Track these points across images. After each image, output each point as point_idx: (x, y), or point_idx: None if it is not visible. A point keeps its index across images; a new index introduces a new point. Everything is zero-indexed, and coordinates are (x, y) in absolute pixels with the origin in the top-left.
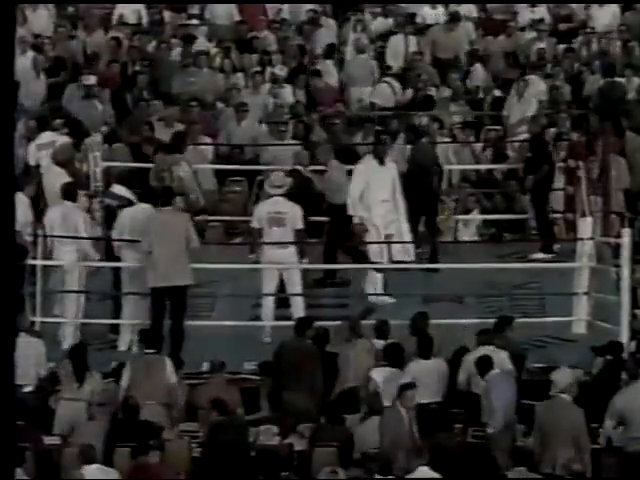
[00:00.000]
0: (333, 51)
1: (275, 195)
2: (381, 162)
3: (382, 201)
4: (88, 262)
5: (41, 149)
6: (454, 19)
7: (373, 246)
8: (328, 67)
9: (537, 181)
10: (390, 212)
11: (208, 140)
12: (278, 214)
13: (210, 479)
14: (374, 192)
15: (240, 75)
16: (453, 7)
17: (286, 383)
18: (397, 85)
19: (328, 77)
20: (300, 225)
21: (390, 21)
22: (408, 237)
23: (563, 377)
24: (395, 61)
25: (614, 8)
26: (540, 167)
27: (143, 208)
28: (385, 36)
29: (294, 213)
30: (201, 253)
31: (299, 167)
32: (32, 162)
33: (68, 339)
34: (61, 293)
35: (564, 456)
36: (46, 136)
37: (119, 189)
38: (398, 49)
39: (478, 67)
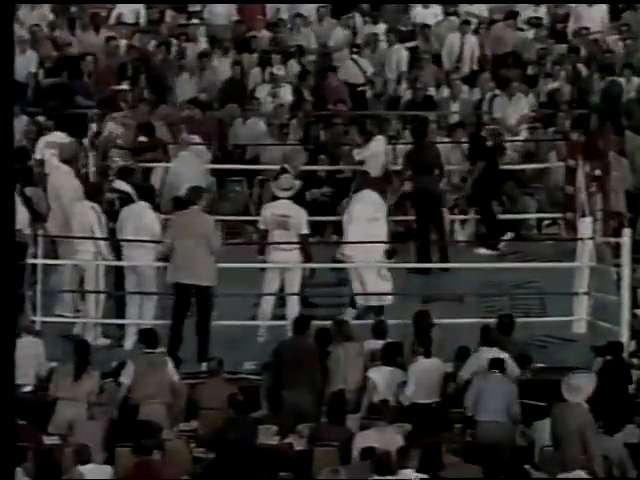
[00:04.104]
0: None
1: (282, 198)
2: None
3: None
4: (103, 261)
5: (48, 147)
6: (513, 15)
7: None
8: (350, 69)
9: (474, 180)
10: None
11: (199, 140)
12: (283, 217)
13: (212, 478)
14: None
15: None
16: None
17: (285, 382)
18: (365, 62)
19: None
20: (304, 230)
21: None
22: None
23: (587, 384)
24: (448, 60)
25: (603, 8)
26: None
27: (143, 207)
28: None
29: (299, 217)
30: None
31: (287, 166)
32: (38, 156)
33: (90, 337)
34: (74, 292)
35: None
36: (56, 136)
37: (120, 184)
38: (453, 49)
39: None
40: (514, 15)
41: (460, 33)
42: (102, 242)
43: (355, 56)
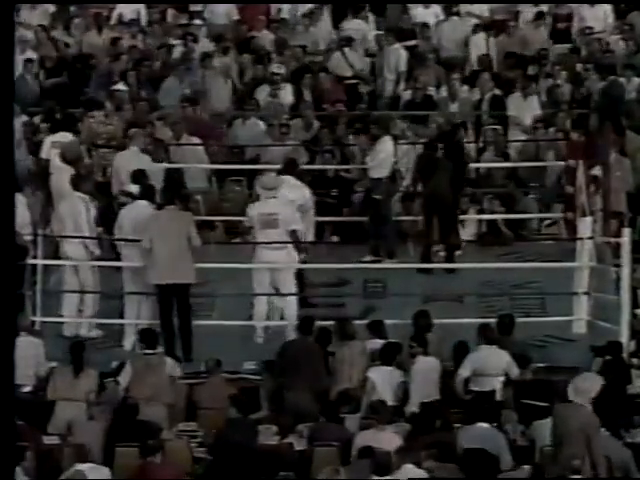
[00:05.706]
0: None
1: (267, 197)
2: None
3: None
4: (93, 258)
5: (54, 147)
6: (540, 16)
7: None
8: (338, 61)
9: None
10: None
11: (196, 140)
12: (270, 216)
13: (212, 479)
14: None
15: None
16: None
17: (289, 382)
18: (354, 55)
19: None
20: (294, 226)
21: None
22: None
23: (593, 385)
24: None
25: (606, 7)
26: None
27: (142, 206)
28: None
29: (287, 214)
30: (201, 253)
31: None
32: (44, 156)
33: (84, 330)
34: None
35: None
36: (61, 136)
37: (130, 187)
38: (480, 49)
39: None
40: (542, 16)
41: (485, 34)
42: (88, 234)
43: (346, 49)
